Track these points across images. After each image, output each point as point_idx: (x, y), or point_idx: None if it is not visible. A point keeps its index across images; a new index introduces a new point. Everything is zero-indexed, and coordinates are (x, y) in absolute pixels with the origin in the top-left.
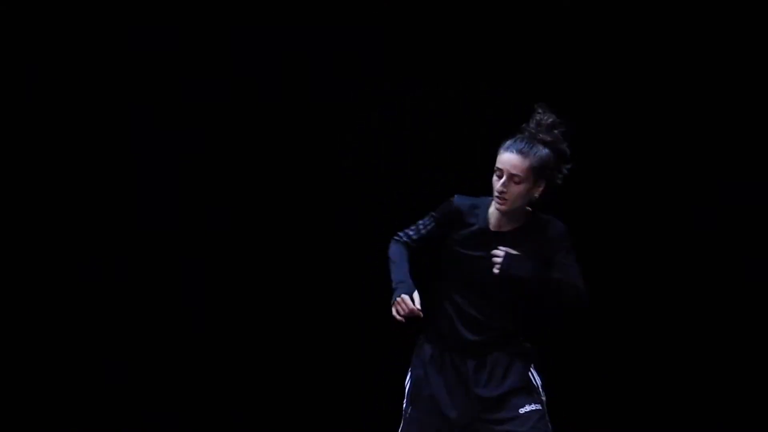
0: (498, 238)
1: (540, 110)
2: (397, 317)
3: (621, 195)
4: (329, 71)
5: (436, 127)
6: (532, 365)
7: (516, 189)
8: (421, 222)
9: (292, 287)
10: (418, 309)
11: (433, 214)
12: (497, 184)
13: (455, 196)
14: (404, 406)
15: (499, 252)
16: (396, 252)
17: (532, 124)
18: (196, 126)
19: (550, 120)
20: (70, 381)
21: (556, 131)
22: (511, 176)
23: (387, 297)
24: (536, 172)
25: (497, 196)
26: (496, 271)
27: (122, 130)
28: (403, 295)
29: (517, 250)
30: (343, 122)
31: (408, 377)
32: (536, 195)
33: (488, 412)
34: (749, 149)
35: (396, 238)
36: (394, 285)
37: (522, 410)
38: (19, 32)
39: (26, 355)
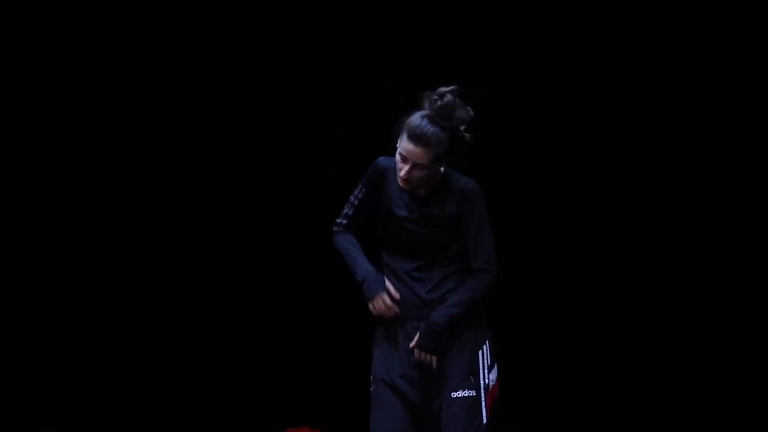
0: (414, 199)
1: (436, 96)
2: (376, 313)
3: (621, 195)
4: (329, 71)
5: None
6: (487, 342)
7: (419, 174)
8: (352, 195)
9: (292, 287)
10: (395, 305)
11: (362, 179)
12: (401, 169)
13: (380, 157)
14: (372, 386)
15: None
16: (343, 242)
17: (428, 107)
18: (196, 126)
19: (448, 102)
20: (70, 381)
21: (456, 113)
22: (414, 165)
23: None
24: (437, 157)
25: (401, 179)
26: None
27: (122, 130)
28: (381, 295)
29: (433, 212)
30: (343, 122)
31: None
32: (439, 173)
33: (430, 383)
34: (749, 149)
35: (335, 228)
36: (359, 279)
37: (454, 394)
38: (19, 32)
39: (27, 355)
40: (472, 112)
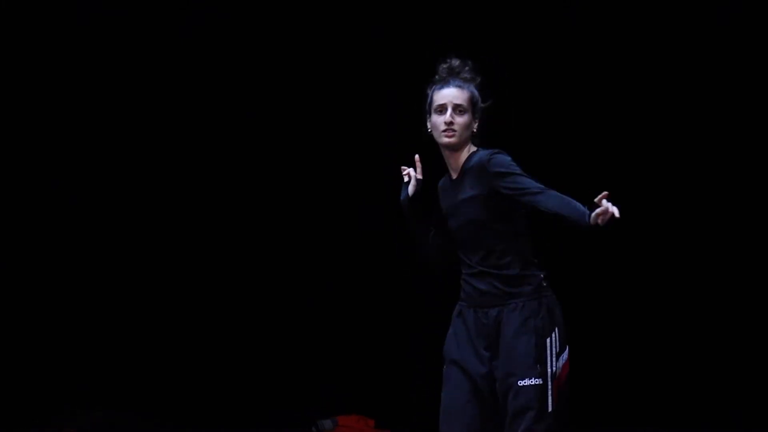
0: (450, 187)
1: (447, 59)
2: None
3: (621, 195)
4: (331, 69)
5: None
6: (557, 329)
7: (461, 120)
8: None
9: (292, 286)
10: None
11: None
12: (443, 117)
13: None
14: (444, 366)
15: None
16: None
17: (444, 71)
18: (196, 126)
19: (460, 62)
20: (70, 381)
21: (467, 67)
22: (455, 107)
23: (388, 296)
24: (473, 104)
25: (445, 130)
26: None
27: (122, 130)
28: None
29: (470, 188)
30: (343, 122)
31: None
32: (474, 129)
33: (498, 369)
34: (749, 149)
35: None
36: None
37: (521, 382)
38: (19, 32)
39: (26, 355)
40: (481, 77)
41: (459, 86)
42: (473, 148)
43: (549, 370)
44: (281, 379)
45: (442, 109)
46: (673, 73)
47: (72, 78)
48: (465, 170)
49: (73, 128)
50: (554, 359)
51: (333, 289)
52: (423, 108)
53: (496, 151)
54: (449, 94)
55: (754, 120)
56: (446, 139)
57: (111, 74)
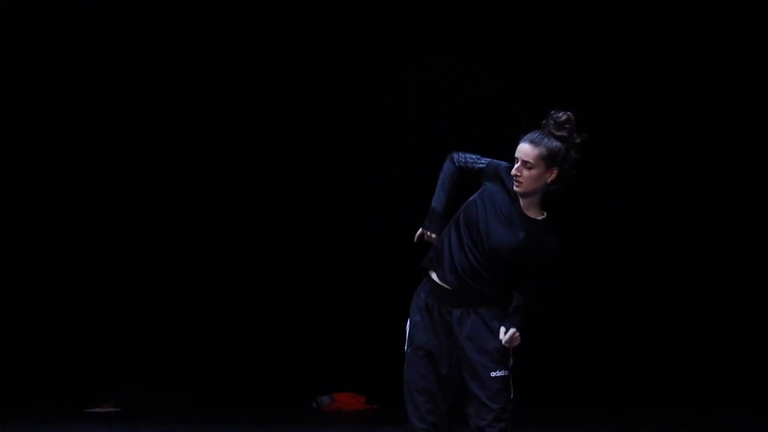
0: (523, 219)
1: (555, 111)
2: (417, 235)
3: (623, 194)
4: (330, 69)
5: (439, 127)
6: None
7: (528, 174)
8: (480, 158)
9: (292, 286)
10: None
11: (489, 161)
12: (514, 172)
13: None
14: (405, 347)
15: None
16: (448, 173)
17: (549, 121)
18: (196, 126)
19: (564, 117)
20: (70, 382)
21: (567, 126)
22: (524, 162)
23: (386, 297)
24: (546, 160)
25: (514, 179)
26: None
27: (122, 130)
28: (431, 232)
29: (523, 232)
30: (344, 123)
31: (408, 321)
32: (548, 180)
33: (466, 363)
34: (748, 148)
35: (455, 156)
36: (431, 206)
37: (493, 374)
38: (19, 32)
39: (26, 356)
40: (585, 135)
41: (533, 142)
42: (545, 213)
43: (510, 362)
44: (285, 361)
45: (516, 161)
46: (673, 73)
47: (72, 78)
48: (532, 219)
49: (73, 128)
50: (512, 354)
51: (332, 281)
52: None
53: (556, 244)
54: (520, 150)
55: (753, 120)
56: (515, 187)
57: (111, 74)
